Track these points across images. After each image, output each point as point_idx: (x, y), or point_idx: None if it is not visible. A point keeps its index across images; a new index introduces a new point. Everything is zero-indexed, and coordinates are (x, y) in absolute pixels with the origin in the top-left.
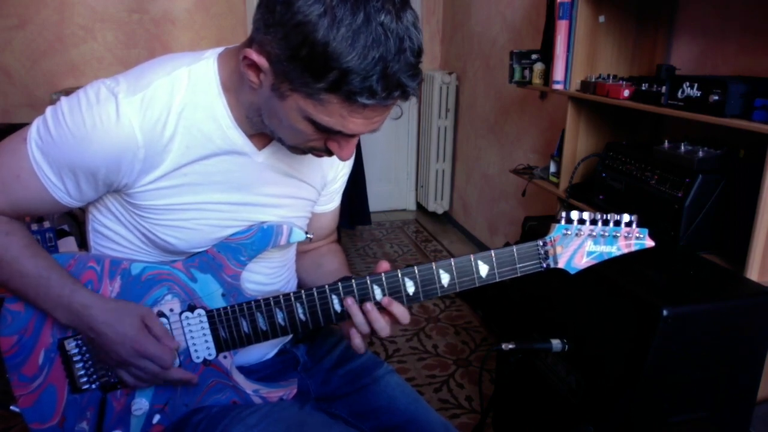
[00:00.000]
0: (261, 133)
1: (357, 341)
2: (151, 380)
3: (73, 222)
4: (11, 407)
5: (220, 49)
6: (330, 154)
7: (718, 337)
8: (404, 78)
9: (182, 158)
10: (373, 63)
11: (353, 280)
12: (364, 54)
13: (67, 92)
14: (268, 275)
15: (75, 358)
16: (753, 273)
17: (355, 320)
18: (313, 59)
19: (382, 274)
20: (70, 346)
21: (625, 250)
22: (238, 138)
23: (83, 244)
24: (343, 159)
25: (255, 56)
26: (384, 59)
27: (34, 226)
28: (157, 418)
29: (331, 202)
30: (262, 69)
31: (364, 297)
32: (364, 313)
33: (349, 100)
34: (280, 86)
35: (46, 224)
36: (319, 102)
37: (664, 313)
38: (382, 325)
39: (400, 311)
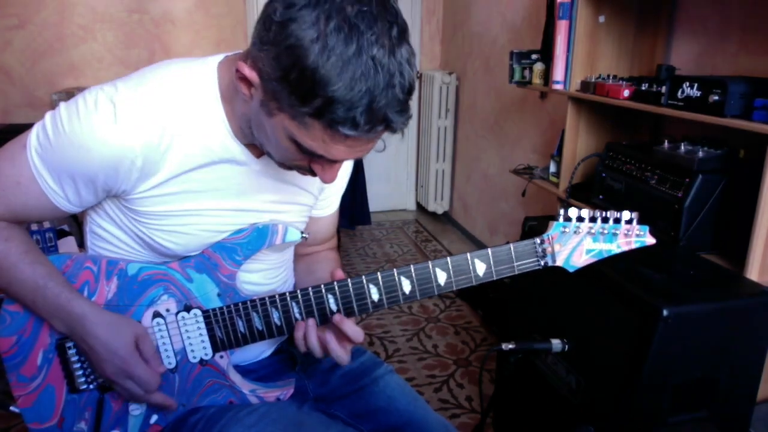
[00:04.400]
0: None
1: (315, 347)
2: (132, 400)
3: (73, 222)
4: (11, 407)
5: (220, 57)
6: (314, 174)
7: (718, 337)
8: (390, 113)
9: (180, 166)
10: (360, 95)
11: (349, 280)
12: (351, 85)
13: (67, 92)
14: (264, 276)
15: (73, 359)
16: (753, 273)
17: (312, 348)
18: (301, 83)
19: (378, 273)
20: (68, 346)
21: (625, 248)
22: (235, 147)
23: (84, 244)
24: (325, 182)
25: (247, 71)
26: (371, 93)
27: (34, 227)
28: (154, 418)
29: (328, 206)
30: (253, 84)
31: (360, 296)
32: (324, 344)
33: (331, 128)
34: (268, 104)
35: (46, 224)
36: (303, 125)
37: (664, 313)
38: (340, 355)
39: (352, 330)
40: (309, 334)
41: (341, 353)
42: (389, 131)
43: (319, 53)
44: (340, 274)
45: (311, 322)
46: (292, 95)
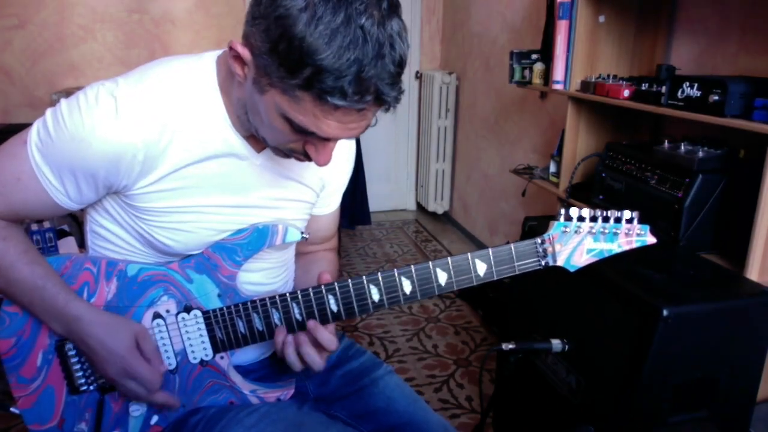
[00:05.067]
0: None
1: (292, 359)
2: (135, 400)
3: (73, 222)
4: (11, 408)
5: (219, 51)
6: (310, 158)
7: (718, 337)
8: (381, 85)
9: (181, 161)
10: (348, 64)
11: (350, 280)
12: (339, 54)
13: (67, 92)
14: (266, 276)
15: (72, 360)
16: (753, 273)
17: (288, 359)
18: (290, 54)
19: (379, 274)
20: (68, 347)
21: (626, 247)
22: (235, 140)
23: (83, 244)
24: (319, 164)
25: (239, 48)
26: (359, 62)
27: (34, 227)
28: (154, 419)
29: (329, 204)
30: (246, 61)
31: (360, 297)
32: (297, 345)
33: (320, 99)
34: (260, 80)
35: (46, 224)
36: (293, 99)
37: (664, 313)
38: (314, 359)
39: (325, 337)
40: (287, 347)
41: (315, 357)
42: (381, 105)
43: (307, 22)
44: (326, 277)
45: (290, 338)
46: (282, 67)
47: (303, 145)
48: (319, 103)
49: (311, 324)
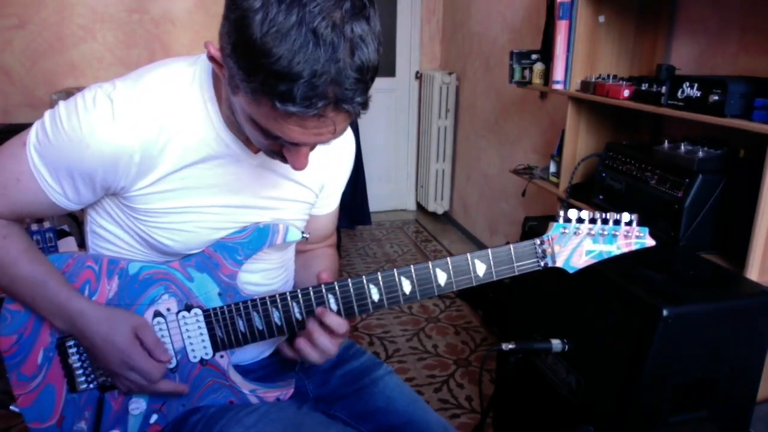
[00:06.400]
0: None
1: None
2: (140, 391)
3: (73, 222)
4: (11, 407)
5: None
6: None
7: (718, 337)
8: (337, 91)
9: (178, 162)
10: (299, 69)
11: (350, 280)
12: (289, 58)
13: (67, 92)
14: (266, 276)
15: (73, 358)
16: (753, 273)
17: (303, 351)
18: (246, 56)
19: (378, 274)
20: (69, 345)
21: (625, 249)
22: (231, 141)
23: (83, 244)
24: (295, 168)
25: (212, 49)
26: (310, 66)
27: (34, 227)
28: (154, 417)
29: (328, 205)
30: (220, 62)
31: (360, 296)
32: (309, 335)
33: (273, 103)
34: (231, 81)
35: (47, 224)
36: (255, 102)
37: (664, 313)
38: (327, 345)
39: (336, 322)
40: (315, 337)
41: (328, 343)
42: (340, 112)
43: (259, 24)
44: (324, 276)
45: (311, 324)
46: (241, 70)
47: (280, 149)
48: (275, 108)
49: (320, 310)
